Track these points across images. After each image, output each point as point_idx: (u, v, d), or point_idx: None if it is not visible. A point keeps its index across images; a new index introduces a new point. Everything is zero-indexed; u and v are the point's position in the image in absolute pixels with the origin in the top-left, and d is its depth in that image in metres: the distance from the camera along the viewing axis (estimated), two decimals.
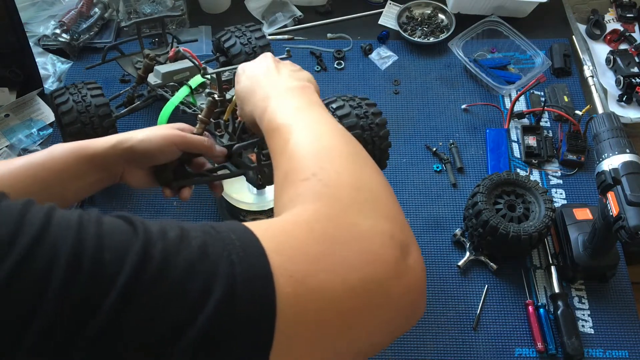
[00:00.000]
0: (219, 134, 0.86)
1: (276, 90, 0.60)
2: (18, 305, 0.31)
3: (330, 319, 0.38)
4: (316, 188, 0.44)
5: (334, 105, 0.90)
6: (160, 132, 0.72)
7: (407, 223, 0.45)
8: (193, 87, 1.02)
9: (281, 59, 0.78)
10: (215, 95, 0.83)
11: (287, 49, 0.80)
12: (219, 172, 0.84)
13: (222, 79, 0.82)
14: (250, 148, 0.80)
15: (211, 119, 0.85)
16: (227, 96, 0.83)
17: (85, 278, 0.32)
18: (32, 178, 0.63)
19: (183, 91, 1.01)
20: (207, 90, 0.89)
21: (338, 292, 0.38)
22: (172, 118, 0.97)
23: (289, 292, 0.36)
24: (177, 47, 1.04)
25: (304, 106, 0.56)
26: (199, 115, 0.82)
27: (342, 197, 0.44)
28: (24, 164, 0.63)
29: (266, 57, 0.69)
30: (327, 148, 0.49)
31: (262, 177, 0.77)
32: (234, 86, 0.85)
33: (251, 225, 0.39)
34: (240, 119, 0.72)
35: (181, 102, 1.00)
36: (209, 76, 0.89)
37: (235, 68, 0.81)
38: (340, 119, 0.89)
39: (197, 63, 0.97)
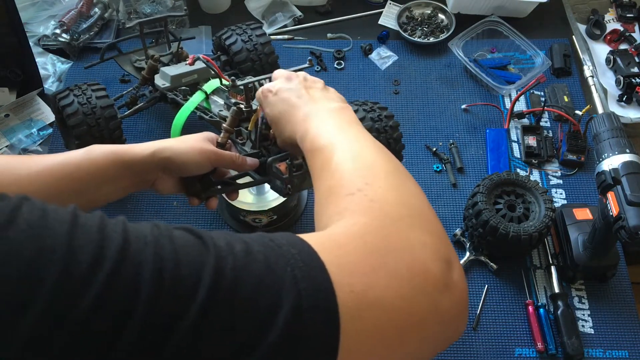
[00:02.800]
0: (240, 141, 0.87)
1: (316, 112, 0.61)
2: (107, 324, 0.32)
3: (388, 331, 0.38)
4: (363, 203, 0.45)
5: None
6: (197, 146, 0.74)
7: (448, 238, 0.46)
8: (208, 92, 1.01)
9: (301, 69, 0.78)
10: (242, 106, 0.84)
11: (308, 58, 0.81)
12: (243, 180, 0.86)
13: (238, 83, 0.82)
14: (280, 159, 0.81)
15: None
16: (253, 106, 0.84)
17: (167, 294, 0.33)
18: (68, 177, 0.64)
19: (198, 97, 1.01)
20: (232, 101, 0.90)
21: (394, 304, 0.38)
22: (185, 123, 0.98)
23: (351, 306, 0.37)
24: (198, 56, 1.02)
25: (344, 126, 0.58)
26: (224, 125, 0.84)
27: (389, 211, 0.45)
28: (60, 162, 0.64)
29: (291, 79, 0.69)
30: (370, 165, 0.50)
31: (291, 187, 0.78)
32: (254, 96, 0.86)
33: (307, 238, 0.40)
34: (278, 143, 0.73)
35: (196, 108, 1.00)
36: (227, 83, 0.89)
37: (264, 78, 0.82)
38: None
39: (217, 71, 0.95)
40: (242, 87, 0.82)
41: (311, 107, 0.63)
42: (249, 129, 0.83)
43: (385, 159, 0.52)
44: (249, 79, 0.83)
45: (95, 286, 0.32)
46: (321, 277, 0.37)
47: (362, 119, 0.91)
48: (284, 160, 0.76)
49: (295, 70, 0.77)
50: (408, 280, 0.40)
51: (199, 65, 1.05)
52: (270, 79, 0.74)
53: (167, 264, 0.34)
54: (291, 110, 0.65)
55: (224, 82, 0.98)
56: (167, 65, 1.11)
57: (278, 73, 0.72)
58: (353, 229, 0.42)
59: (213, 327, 0.34)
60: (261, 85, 0.87)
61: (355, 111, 0.92)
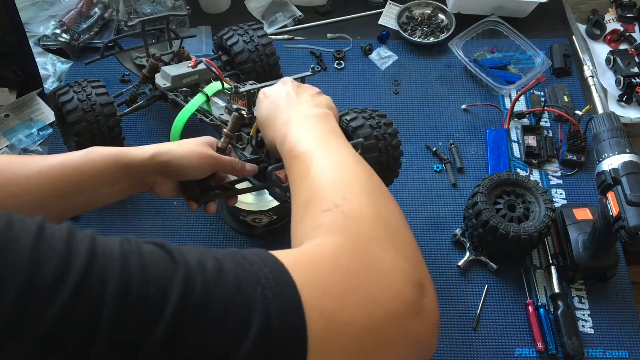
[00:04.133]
0: (240, 146, 0.87)
1: (296, 117, 0.61)
2: (72, 339, 0.31)
3: (356, 354, 0.38)
4: (339, 220, 0.45)
5: (347, 118, 0.91)
6: (197, 150, 0.75)
7: (423, 261, 0.46)
8: (209, 94, 1.00)
9: (304, 76, 0.79)
10: (244, 112, 0.85)
11: (311, 66, 0.81)
12: (242, 185, 0.86)
13: (241, 90, 0.82)
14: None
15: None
16: (254, 112, 0.85)
17: (133, 310, 0.33)
18: (67, 178, 0.64)
19: (199, 99, 1.00)
20: (234, 106, 0.90)
21: (364, 327, 0.38)
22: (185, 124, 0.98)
23: (320, 328, 0.37)
24: (201, 59, 1.03)
25: (324, 135, 0.57)
26: (224, 130, 0.84)
27: (364, 231, 0.44)
28: (59, 163, 0.64)
29: (286, 83, 0.70)
30: (348, 179, 0.50)
31: (290, 194, 0.79)
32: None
33: (279, 255, 0.40)
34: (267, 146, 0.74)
35: (197, 110, 1.00)
36: (230, 87, 0.90)
37: (267, 85, 0.83)
38: (355, 130, 0.90)
39: (218, 75, 0.95)
40: (244, 93, 0.82)
41: (293, 111, 0.63)
42: (250, 134, 0.83)
43: (364, 174, 0.51)
44: (252, 86, 0.83)
45: (59, 300, 0.31)
46: (291, 297, 0.37)
47: (360, 126, 0.91)
48: (284, 168, 0.77)
49: (297, 78, 0.78)
50: (380, 303, 0.39)
51: (201, 66, 1.05)
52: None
53: (134, 280, 0.34)
54: (276, 114, 0.65)
55: (226, 85, 0.98)
56: (168, 64, 1.11)
57: (281, 79, 0.72)
58: (327, 249, 0.42)
59: (180, 345, 0.33)
60: None
61: (354, 118, 0.92)
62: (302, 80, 0.80)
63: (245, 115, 0.85)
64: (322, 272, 0.40)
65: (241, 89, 0.82)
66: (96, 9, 1.38)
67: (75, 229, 0.36)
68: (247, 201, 1.02)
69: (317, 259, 0.41)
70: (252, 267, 0.38)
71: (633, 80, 1.27)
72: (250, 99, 0.83)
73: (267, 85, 0.84)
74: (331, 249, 0.42)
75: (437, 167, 1.17)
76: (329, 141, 0.56)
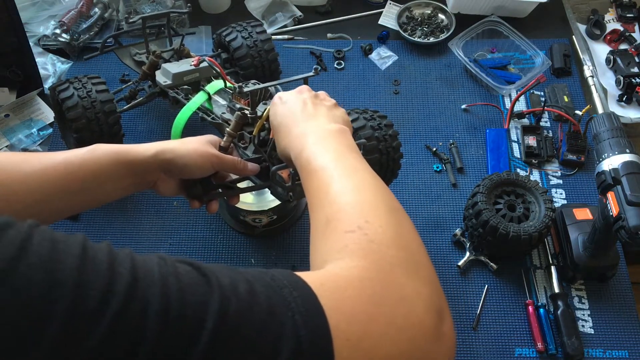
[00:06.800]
0: (242, 145, 0.87)
1: (314, 130, 0.62)
2: (113, 358, 0.32)
3: None
4: (362, 243, 0.46)
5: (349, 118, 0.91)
6: (200, 149, 0.75)
7: (440, 283, 0.46)
8: (211, 93, 1.01)
9: (307, 77, 0.78)
10: (247, 112, 0.84)
11: (314, 66, 0.81)
12: (243, 184, 0.86)
13: (245, 90, 0.82)
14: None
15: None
16: (257, 112, 0.85)
17: (171, 333, 0.34)
18: (72, 175, 0.64)
19: (200, 97, 1.00)
20: (237, 105, 0.91)
21: (386, 355, 0.39)
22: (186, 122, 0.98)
23: (345, 355, 0.38)
24: (203, 58, 1.02)
25: (342, 152, 0.58)
26: (227, 129, 0.84)
27: (387, 255, 0.45)
28: (63, 160, 0.64)
29: (303, 92, 0.70)
30: (370, 200, 0.50)
31: (293, 195, 0.79)
32: (262, 102, 0.87)
33: (306, 278, 0.41)
34: (277, 151, 0.74)
35: (198, 109, 1.00)
36: (234, 86, 0.90)
37: (271, 85, 0.82)
38: (357, 130, 0.90)
39: (222, 75, 0.95)
40: (248, 93, 0.83)
41: (310, 123, 0.63)
42: (253, 134, 0.83)
43: (384, 194, 0.52)
44: (256, 86, 0.83)
45: (103, 324, 0.32)
46: (320, 323, 0.38)
47: (362, 127, 0.91)
48: (288, 167, 0.77)
49: (300, 79, 0.77)
50: (402, 331, 0.40)
51: (203, 64, 1.05)
52: (276, 87, 0.73)
53: (173, 304, 0.35)
54: (291, 123, 0.65)
55: (228, 84, 0.98)
56: (168, 61, 1.11)
57: (300, 87, 0.72)
58: (353, 273, 0.43)
59: None
60: (268, 91, 0.87)
61: (356, 119, 0.92)
62: (305, 81, 0.80)
63: (248, 115, 0.85)
64: (348, 298, 0.41)
65: (245, 89, 0.82)
66: (96, 9, 1.38)
67: (113, 249, 0.37)
68: (247, 201, 1.02)
69: (343, 283, 0.42)
70: (282, 291, 0.39)
71: (633, 80, 1.27)
72: (254, 98, 0.83)
73: (272, 85, 0.84)
74: (357, 274, 0.43)
75: (437, 167, 1.17)
76: (347, 158, 0.56)
